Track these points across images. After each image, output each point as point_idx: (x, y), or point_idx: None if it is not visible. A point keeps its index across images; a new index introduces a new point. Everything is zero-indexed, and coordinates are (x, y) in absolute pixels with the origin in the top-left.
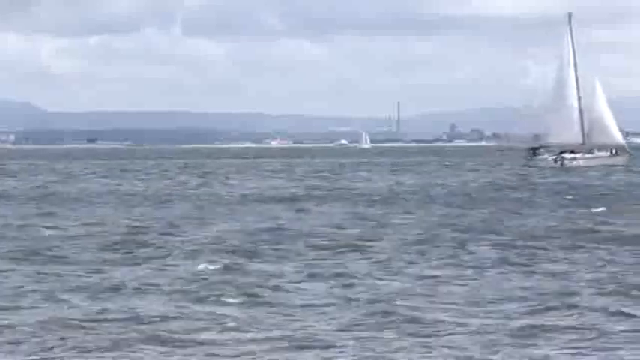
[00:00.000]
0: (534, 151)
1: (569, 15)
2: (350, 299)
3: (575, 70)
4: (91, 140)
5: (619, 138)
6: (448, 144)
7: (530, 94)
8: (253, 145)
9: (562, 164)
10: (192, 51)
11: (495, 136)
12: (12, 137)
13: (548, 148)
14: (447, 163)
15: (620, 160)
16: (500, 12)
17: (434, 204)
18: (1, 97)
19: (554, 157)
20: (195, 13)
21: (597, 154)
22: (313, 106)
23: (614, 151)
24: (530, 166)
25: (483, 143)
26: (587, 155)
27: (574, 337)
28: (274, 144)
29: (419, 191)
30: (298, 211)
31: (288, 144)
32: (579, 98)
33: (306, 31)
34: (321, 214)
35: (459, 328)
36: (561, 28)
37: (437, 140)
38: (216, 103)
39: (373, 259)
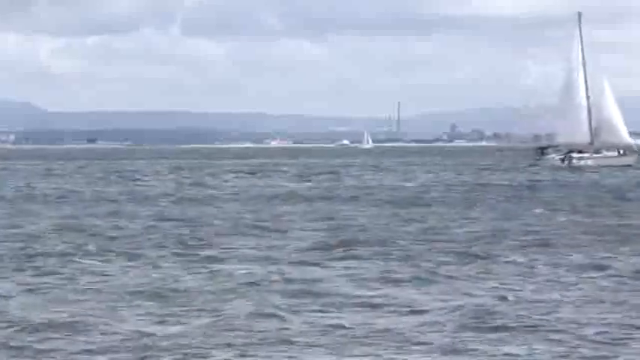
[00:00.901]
0: (542, 150)
1: (579, 14)
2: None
3: (585, 70)
4: (91, 140)
5: (627, 138)
6: (448, 144)
7: (530, 94)
8: (253, 145)
9: (570, 164)
10: (192, 51)
11: (496, 136)
12: (12, 137)
13: (555, 148)
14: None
15: (628, 160)
16: (500, 12)
17: (384, 203)
18: (1, 97)
19: (561, 157)
20: (196, 12)
21: (605, 153)
22: (313, 106)
23: (622, 151)
24: (537, 166)
25: (484, 143)
26: (595, 155)
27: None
28: (274, 144)
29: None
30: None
31: (288, 144)
32: (588, 98)
33: (306, 31)
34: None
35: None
36: (562, 28)
37: (437, 140)
38: (216, 103)
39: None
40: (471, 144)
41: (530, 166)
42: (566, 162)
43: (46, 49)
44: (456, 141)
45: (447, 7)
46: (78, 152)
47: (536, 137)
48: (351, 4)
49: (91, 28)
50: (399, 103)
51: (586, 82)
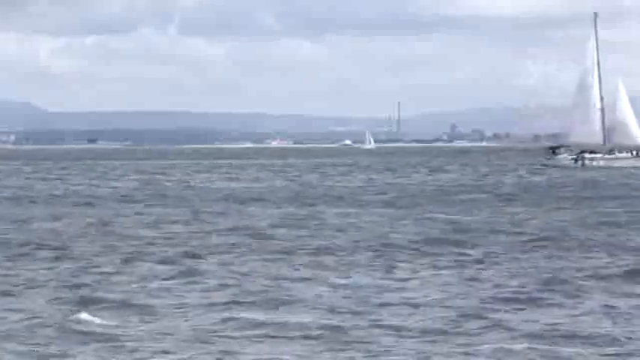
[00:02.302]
0: (554, 150)
1: (595, 15)
2: None
3: (599, 70)
4: (92, 140)
5: None
6: (448, 144)
7: (530, 94)
8: (253, 145)
9: (583, 164)
10: (192, 51)
11: (496, 136)
12: (12, 137)
13: (567, 148)
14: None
15: None
16: (500, 12)
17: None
18: (1, 97)
19: (574, 157)
20: (196, 12)
21: (617, 154)
22: (313, 106)
23: (634, 153)
24: (548, 165)
25: (484, 143)
26: (607, 156)
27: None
28: (275, 144)
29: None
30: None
31: (288, 144)
32: (602, 99)
33: (306, 31)
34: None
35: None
36: (562, 29)
37: (437, 140)
38: (216, 103)
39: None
40: (471, 144)
41: (542, 166)
42: (579, 162)
43: (46, 49)
44: (456, 141)
45: (447, 7)
46: (77, 152)
47: (536, 137)
48: (351, 4)
49: (91, 28)
50: (399, 103)
51: (600, 82)
